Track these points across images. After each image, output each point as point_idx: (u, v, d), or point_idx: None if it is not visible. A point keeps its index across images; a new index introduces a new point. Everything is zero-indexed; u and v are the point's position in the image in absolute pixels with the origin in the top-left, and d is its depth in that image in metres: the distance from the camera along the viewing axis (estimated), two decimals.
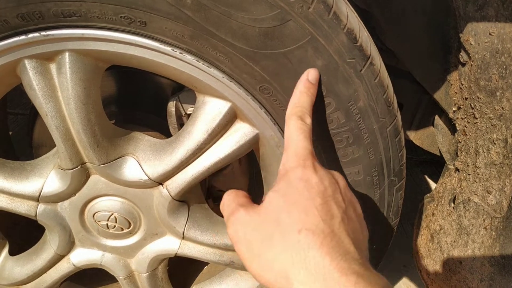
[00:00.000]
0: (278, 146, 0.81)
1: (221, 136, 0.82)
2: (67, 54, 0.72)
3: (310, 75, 0.71)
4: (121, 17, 0.67)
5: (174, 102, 0.95)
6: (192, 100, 0.93)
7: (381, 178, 0.84)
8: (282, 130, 0.78)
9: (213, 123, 0.79)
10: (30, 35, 0.69)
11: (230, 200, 0.67)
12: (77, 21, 0.68)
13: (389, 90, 0.77)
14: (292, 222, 0.57)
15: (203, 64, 0.72)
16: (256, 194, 1.22)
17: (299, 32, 0.67)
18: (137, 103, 1.06)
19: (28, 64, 0.73)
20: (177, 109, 0.95)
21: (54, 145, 0.88)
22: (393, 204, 0.90)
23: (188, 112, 0.96)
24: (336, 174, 0.66)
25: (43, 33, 0.69)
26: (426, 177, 2.24)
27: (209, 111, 0.79)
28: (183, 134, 0.82)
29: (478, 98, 0.90)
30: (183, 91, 0.94)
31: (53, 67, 0.74)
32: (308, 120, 0.68)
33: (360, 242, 0.60)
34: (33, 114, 1.04)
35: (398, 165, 0.85)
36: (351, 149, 0.79)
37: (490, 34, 0.80)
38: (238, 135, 0.81)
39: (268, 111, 0.77)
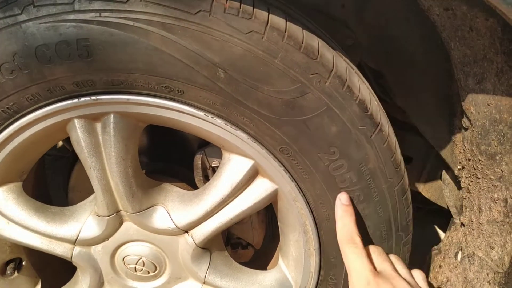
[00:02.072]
0: (295, 200, 0.89)
1: (244, 190, 0.90)
2: (112, 115, 0.82)
3: (342, 198, 0.83)
4: (162, 86, 0.77)
5: (200, 155, 1.04)
6: (217, 154, 1.02)
7: (389, 233, 0.91)
8: (299, 186, 0.87)
9: (237, 178, 0.88)
10: (82, 99, 0.79)
11: None
12: (124, 88, 0.78)
13: (396, 153, 0.86)
14: None
15: (231, 127, 0.81)
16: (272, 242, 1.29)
17: (317, 103, 0.76)
18: (166, 155, 1.15)
19: (77, 123, 0.83)
20: (202, 162, 1.04)
21: (88, 191, 0.97)
22: (400, 257, 0.97)
23: (212, 165, 1.05)
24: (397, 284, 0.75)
25: (93, 97, 0.79)
26: (436, 227, 2.28)
27: (234, 167, 0.88)
28: (209, 188, 0.91)
29: (479, 160, 0.97)
30: (209, 146, 1.03)
31: (98, 126, 0.84)
32: (357, 239, 0.79)
33: None
34: (72, 160, 1.14)
35: (405, 221, 0.92)
36: (362, 206, 0.87)
37: (488, 105, 0.89)
38: (259, 190, 0.89)
39: (287, 169, 0.85)
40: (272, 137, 0.81)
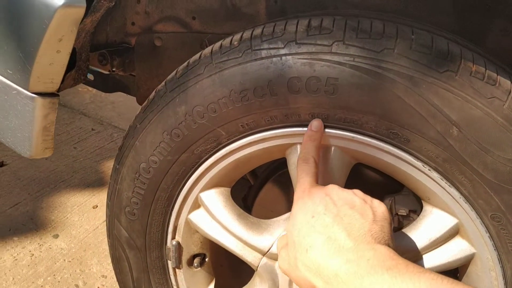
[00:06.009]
0: (491, 269, 0.87)
1: (439, 246, 0.91)
2: (333, 148, 0.89)
3: (313, 125, 0.85)
4: (390, 132, 0.82)
5: (390, 201, 1.06)
6: (405, 204, 1.04)
7: None
8: (500, 257, 0.85)
9: (437, 233, 0.89)
10: None
11: None
12: (352, 127, 0.85)
13: None
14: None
15: (446, 183, 0.83)
16: None
17: None
18: None
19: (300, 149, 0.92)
20: (390, 208, 1.06)
21: (270, 209, 1.05)
22: None
23: (398, 213, 1.07)
24: (329, 188, 0.78)
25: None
26: None
27: (435, 222, 0.89)
28: (404, 236, 0.93)
29: None
30: (400, 194, 1.06)
31: None
32: (311, 160, 0.83)
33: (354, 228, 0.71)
34: (264, 178, 1.24)
35: None
36: None
37: None
38: (455, 249, 0.89)
39: (492, 236, 0.84)
40: (487, 201, 0.81)
